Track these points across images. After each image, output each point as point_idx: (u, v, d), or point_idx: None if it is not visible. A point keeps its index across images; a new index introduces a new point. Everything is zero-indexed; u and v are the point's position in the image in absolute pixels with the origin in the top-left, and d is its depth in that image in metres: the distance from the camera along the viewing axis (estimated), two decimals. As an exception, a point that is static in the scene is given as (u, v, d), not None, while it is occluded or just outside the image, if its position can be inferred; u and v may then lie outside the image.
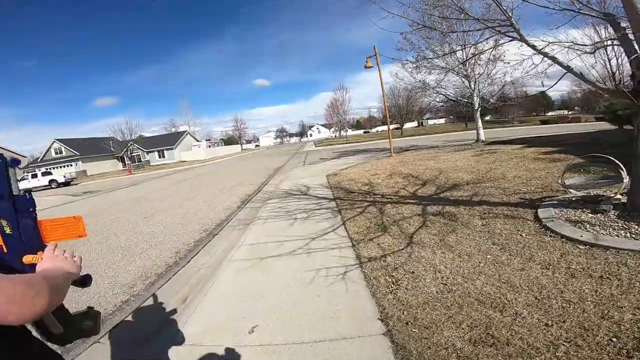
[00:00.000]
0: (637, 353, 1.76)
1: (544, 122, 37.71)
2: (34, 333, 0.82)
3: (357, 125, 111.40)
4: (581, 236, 3.23)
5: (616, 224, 3.34)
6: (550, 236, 3.41)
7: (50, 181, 29.89)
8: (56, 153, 47.78)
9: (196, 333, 2.61)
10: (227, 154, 56.88)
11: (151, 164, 50.27)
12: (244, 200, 8.42)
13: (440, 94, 14.22)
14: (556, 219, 3.71)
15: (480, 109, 13.61)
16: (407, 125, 51.65)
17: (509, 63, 12.14)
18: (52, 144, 47.96)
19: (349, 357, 2.15)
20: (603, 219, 3.52)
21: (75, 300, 3.54)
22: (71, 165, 44.68)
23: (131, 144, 47.80)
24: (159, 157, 52.83)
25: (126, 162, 46.36)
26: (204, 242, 5.18)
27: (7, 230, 0.75)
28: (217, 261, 4.23)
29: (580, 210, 3.85)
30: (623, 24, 3.46)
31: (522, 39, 4.03)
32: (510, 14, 3.96)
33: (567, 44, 3.78)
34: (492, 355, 1.95)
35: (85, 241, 6.30)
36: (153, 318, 3.02)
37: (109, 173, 43.74)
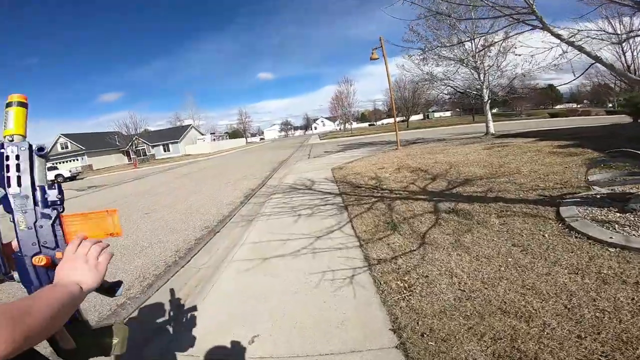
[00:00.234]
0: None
1: (553, 115, 37.02)
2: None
3: (362, 118, 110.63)
4: (611, 238, 2.96)
5: (649, 225, 3.07)
6: (576, 237, 3.14)
7: (57, 176, 29.87)
8: (62, 148, 48.00)
9: (192, 342, 2.41)
10: (231, 147, 56.75)
11: (156, 158, 50.37)
12: (248, 195, 8.22)
13: (449, 86, 13.82)
14: (581, 219, 3.44)
15: (489, 101, 13.21)
16: (413, 117, 51.10)
17: (520, 55, 11.77)
18: (58, 138, 48.15)
19: (359, 375, 1.94)
20: (633, 219, 3.25)
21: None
22: (77, 160, 44.87)
23: (136, 138, 47.85)
24: (164, 150, 52.87)
25: (131, 156, 46.47)
26: (205, 240, 4.99)
27: (22, 227, 0.67)
28: (217, 261, 4.03)
29: (606, 209, 3.57)
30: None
31: (545, 27, 3.73)
32: (532, 1, 3.66)
33: (597, 33, 3.48)
34: (521, 375, 1.73)
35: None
36: (147, 325, 2.82)
37: (114, 167, 43.91)
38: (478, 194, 4.78)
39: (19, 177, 0.69)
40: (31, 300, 0.57)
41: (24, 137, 0.72)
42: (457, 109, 71.53)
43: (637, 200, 3.45)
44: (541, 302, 2.28)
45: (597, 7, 4.34)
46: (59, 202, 0.72)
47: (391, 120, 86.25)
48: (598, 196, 3.93)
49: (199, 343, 2.37)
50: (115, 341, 0.74)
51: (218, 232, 5.33)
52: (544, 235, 3.29)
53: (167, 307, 3.09)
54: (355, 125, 71.56)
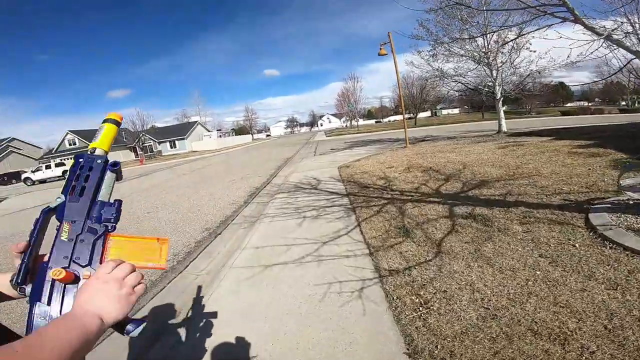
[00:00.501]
0: None
1: (564, 114, 36.21)
2: None
3: (369, 115, 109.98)
4: (653, 249, 2.64)
5: (696, 236, 2.74)
6: (611, 248, 2.83)
7: (64, 172, 30.10)
8: (70, 144, 48.37)
9: (183, 367, 2.16)
10: (238, 143, 56.69)
11: (163, 154, 50.49)
12: (251, 193, 7.97)
13: (460, 82, 13.39)
14: (615, 227, 3.11)
15: (502, 98, 12.77)
16: (421, 115, 50.49)
17: (534, 51, 11.34)
18: (66, 135, 48.53)
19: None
20: (676, 229, 2.91)
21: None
22: (84, 156, 45.07)
23: (143, 134, 48.04)
24: (171, 147, 52.96)
25: (138, 153, 46.66)
26: (205, 244, 4.74)
27: (63, 236, 0.63)
28: (217, 267, 3.78)
29: (643, 216, 3.23)
30: None
31: (578, 20, 3.40)
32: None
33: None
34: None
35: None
36: (136, 341, 2.58)
37: (121, 163, 43.98)
38: (496, 198, 4.45)
39: (83, 188, 0.68)
40: (30, 346, 0.45)
41: (106, 152, 0.76)
42: (465, 107, 70.61)
43: (679, 207, 3.11)
44: (577, 322, 2.02)
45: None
46: (112, 220, 0.69)
47: (398, 117, 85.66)
48: (631, 202, 3.59)
49: (189, 367, 2.12)
50: None
51: (219, 234, 5.08)
52: (574, 245, 2.97)
53: (159, 321, 2.84)
54: (361, 122, 70.97)
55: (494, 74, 12.24)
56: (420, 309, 2.46)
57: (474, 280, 2.68)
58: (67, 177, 0.70)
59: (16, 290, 0.63)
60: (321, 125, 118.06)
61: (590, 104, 59.76)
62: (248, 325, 2.53)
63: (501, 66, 12.03)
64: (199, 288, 3.29)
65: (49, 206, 0.67)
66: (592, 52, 3.49)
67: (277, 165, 13.34)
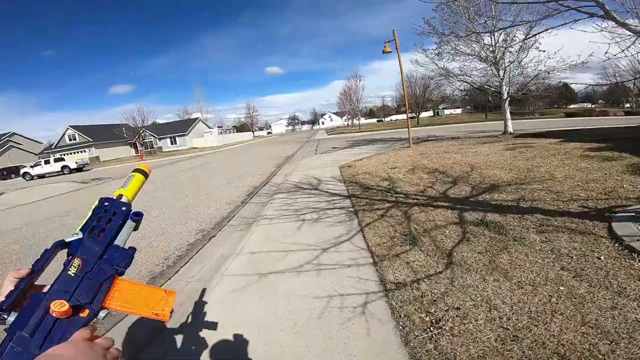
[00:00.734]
0: None
1: (568, 115, 35.86)
2: None
3: (370, 113, 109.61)
4: (691, 266, 2.37)
5: None
6: (640, 261, 2.56)
7: (63, 167, 29.95)
8: (70, 139, 48.13)
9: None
10: (238, 141, 56.40)
11: (163, 150, 50.27)
12: (250, 193, 7.70)
13: (465, 82, 13.07)
14: (643, 238, 2.83)
15: (509, 98, 12.46)
16: (423, 114, 50.17)
17: (544, 51, 11.03)
18: (66, 130, 48.27)
19: None
20: None
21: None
22: (84, 152, 44.91)
23: (143, 130, 47.75)
24: (171, 143, 52.70)
25: (138, 148, 46.41)
26: (198, 246, 4.48)
27: (71, 271, 0.61)
28: (209, 273, 3.52)
29: (675, 227, 2.96)
30: None
31: (609, 16, 3.12)
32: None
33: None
34: None
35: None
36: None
37: (121, 159, 43.90)
38: (509, 203, 4.17)
39: (102, 229, 0.69)
40: None
41: (131, 200, 0.81)
42: (468, 107, 70.18)
43: None
44: (610, 345, 1.80)
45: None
46: (123, 265, 0.67)
47: (400, 116, 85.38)
48: (658, 210, 3.31)
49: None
50: None
51: (214, 236, 4.82)
52: (599, 258, 2.70)
53: (141, 335, 2.57)
54: (363, 120, 70.54)
55: (501, 74, 11.92)
56: (431, 328, 2.20)
57: (491, 296, 2.42)
58: (88, 216, 0.71)
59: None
60: (322, 124, 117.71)
61: (594, 106, 59.30)
62: (237, 345, 2.27)
63: (509, 65, 11.72)
64: (186, 299, 3.03)
65: (63, 240, 0.66)
66: (623, 51, 3.20)
67: (277, 164, 13.06)
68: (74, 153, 43.70)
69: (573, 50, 10.76)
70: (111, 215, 0.72)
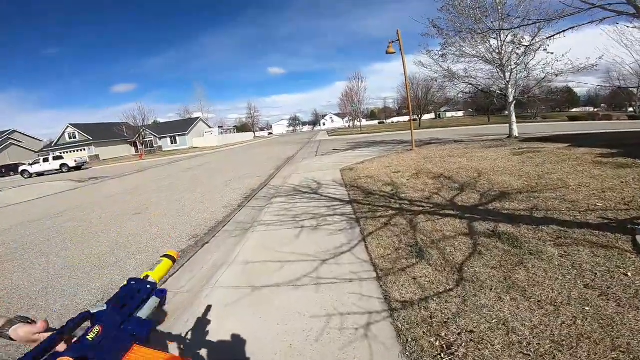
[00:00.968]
0: None
1: (572, 119, 35.57)
2: None
3: (372, 115, 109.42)
4: None
5: None
6: (674, 280, 2.31)
7: (62, 165, 29.75)
8: (70, 137, 47.98)
9: None
10: (239, 141, 56.16)
11: (163, 150, 50.06)
12: (247, 196, 7.44)
13: (470, 84, 12.80)
14: (675, 256, 2.58)
15: (514, 101, 12.19)
16: (424, 117, 49.95)
17: (552, 53, 10.77)
18: (66, 128, 48.11)
19: None
20: None
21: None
22: (84, 150, 44.72)
23: (143, 129, 47.55)
24: (172, 142, 52.48)
25: (138, 147, 46.21)
26: (189, 254, 4.22)
27: (90, 336, 0.64)
28: (199, 285, 3.26)
29: None
30: None
31: None
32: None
33: None
34: None
35: (48, 245, 5.46)
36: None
37: (121, 158, 43.69)
38: (521, 213, 3.90)
39: (125, 304, 0.74)
40: None
41: (157, 282, 0.89)
42: (470, 109, 69.90)
43: None
44: None
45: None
46: (142, 334, 0.70)
47: (401, 118, 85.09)
48: (687, 224, 3.05)
49: None
50: None
51: (207, 243, 4.56)
52: (625, 274, 2.45)
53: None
54: (364, 122, 70.20)
55: (507, 76, 11.66)
56: (442, 355, 1.95)
57: (508, 317, 2.16)
58: (116, 293, 0.78)
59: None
60: (324, 125, 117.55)
61: (597, 110, 58.98)
62: (225, 373, 2.01)
63: (515, 68, 11.45)
64: (173, 313, 2.78)
65: (88, 311, 0.70)
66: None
67: (277, 165, 12.79)
68: (74, 151, 43.53)
69: (578, 53, 10.48)
70: (136, 292, 0.79)
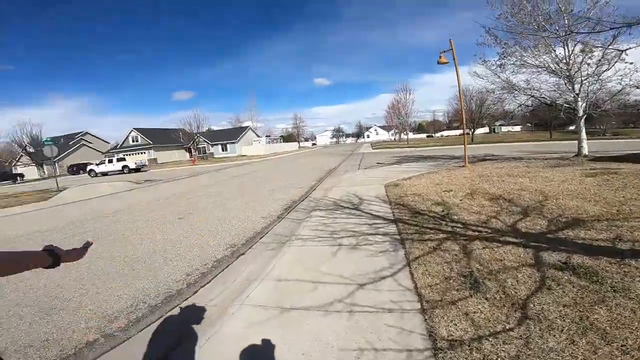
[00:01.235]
0: None
1: (649, 136, 31.44)
2: None
3: (420, 128, 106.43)
4: None
5: None
6: None
7: (123, 167, 32.51)
8: (133, 141, 52.47)
9: None
10: (284, 150, 57.46)
11: (214, 156, 52.70)
12: (287, 207, 7.33)
13: (533, 96, 11.72)
14: None
15: (585, 116, 10.92)
16: (477, 131, 47.35)
17: (631, 63, 9.52)
18: (130, 132, 52.75)
19: None
20: None
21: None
22: (144, 153, 48.51)
23: (197, 136, 50.53)
24: (222, 150, 55.19)
25: (192, 153, 49.11)
26: (224, 264, 4.13)
27: None
28: (228, 299, 3.12)
29: None
30: None
31: None
32: None
33: None
34: None
35: (101, 244, 5.70)
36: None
37: (176, 162, 46.69)
38: (601, 243, 3.28)
39: None
40: None
41: None
42: (529, 124, 64.99)
43: None
44: None
45: None
46: None
47: (451, 132, 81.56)
48: None
49: None
50: None
51: (243, 254, 4.45)
52: None
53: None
54: (411, 135, 68.29)
55: (577, 88, 10.49)
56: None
57: (585, 372, 1.72)
58: None
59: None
60: (367, 137, 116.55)
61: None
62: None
63: (586, 79, 10.27)
64: (198, 326, 2.64)
65: None
66: None
67: (319, 177, 12.65)
68: (136, 154, 47.38)
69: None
70: None
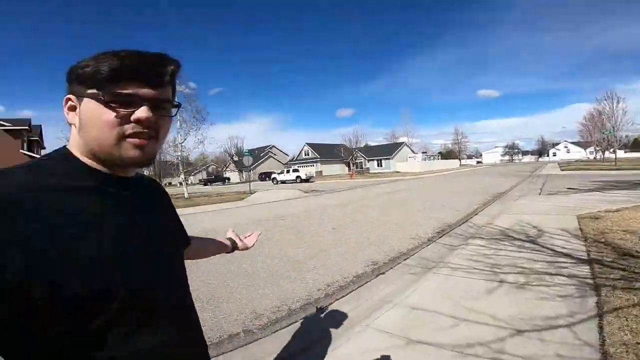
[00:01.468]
0: None
1: None
2: None
3: (634, 144, 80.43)
4: None
5: None
6: None
7: (297, 177, 38.35)
8: (305, 155, 60.47)
9: None
10: (442, 168, 53.85)
11: (370, 171, 54.68)
12: (440, 230, 6.66)
13: None
14: None
15: None
16: None
17: None
18: (303, 147, 61.08)
19: None
20: None
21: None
22: (313, 166, 55.12)
23: (356, 151, 53.69)
24: (377, 165, 56.64)
25: (350, 168, 52.51)
26: (362, 281, 4.04)
27: None
28: (356, 317, 2.99)
29: None
30: None
31: None
32: None
33: None
34: None
35: (268, 240, 6.55)
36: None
37: (337, 175, 51.02)
38: None
39: None
40: None
41: None
42: None
43: None
44: None
45: None
46: None
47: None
48: None
49: None
50: None
51: (383, 273, 4.26)
52: None
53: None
54: (621, 154, 51.64)
55: None
56: None
57: None
58: None
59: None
60: (554, 155, 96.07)
61: None
62: None
63: None
64: (321, 339, 2.61)
65: None
66: None
67: (483, 201, 10.98)
68: (306, 166, 54.52)
69: None
70: None
